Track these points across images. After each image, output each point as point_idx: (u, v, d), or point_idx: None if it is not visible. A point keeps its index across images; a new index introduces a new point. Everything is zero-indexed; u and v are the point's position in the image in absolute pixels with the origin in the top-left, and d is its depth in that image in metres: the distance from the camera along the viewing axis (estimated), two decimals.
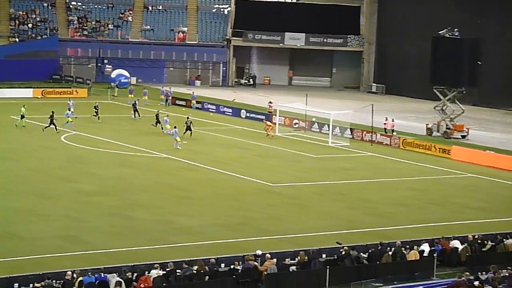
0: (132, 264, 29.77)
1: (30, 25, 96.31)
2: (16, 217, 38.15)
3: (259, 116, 72.44)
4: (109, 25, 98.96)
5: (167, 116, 63.82)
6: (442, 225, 39.97)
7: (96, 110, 66.89)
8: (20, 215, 38.58)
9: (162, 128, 62.70)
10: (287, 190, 46.59)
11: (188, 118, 62.09)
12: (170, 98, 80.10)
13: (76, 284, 27.56)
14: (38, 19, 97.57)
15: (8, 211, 39.23)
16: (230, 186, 46.79)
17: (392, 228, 39.02)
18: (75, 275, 27.86)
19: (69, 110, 65.37)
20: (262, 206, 42.39)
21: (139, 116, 68.51)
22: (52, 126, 60.59)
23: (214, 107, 77.37)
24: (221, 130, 65.57)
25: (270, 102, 75.16)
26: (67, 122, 62.87)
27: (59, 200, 41.48)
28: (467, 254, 33.37)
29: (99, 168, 50.05)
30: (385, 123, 67.46)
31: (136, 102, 70.61)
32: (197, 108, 77.35)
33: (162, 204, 41.80)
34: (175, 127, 58.84)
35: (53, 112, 61.26)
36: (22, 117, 63.23)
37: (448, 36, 69.61)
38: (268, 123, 65.13)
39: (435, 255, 32.81)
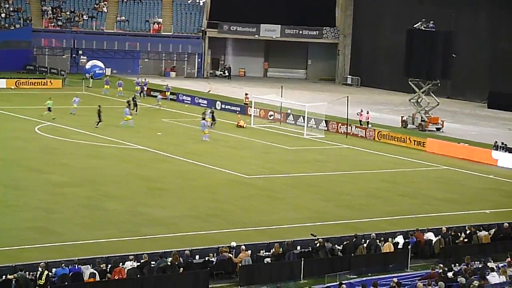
0: (106, 255, 29.42)
1: (3, 15, 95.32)
2: None
3: (235, 108, 72.11)
4: (84, 16, 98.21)
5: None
6: (415, 217, 39.86)
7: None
8: None
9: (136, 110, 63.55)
10: (260, 182, 46.33)
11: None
12: (145, 88, 79.55)
13: (43, 277, 27.07)
14: (11, 9, 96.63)
15: None
16: (203, 178, 46.47)
17: (365, 220, 38.89)
18: (40, 268, 27.36)
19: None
20: (235, 198, 42.12)
21: (136, 111, 67.30)
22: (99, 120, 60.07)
23: (189, 98, 76.97)
24: (196, 121, 65.07)
25: (246, 94, 74.88)
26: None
27: (30, 191, 40.99)
28: (441, 246, 33.28)
29: (72, 159, 49.54)
30: (360, 115, 67.34)
31: (135, 96, 70.34)
32: (171, 99, 76.97)
33: (134, 196, 41.40)
34: (203, 119, 59.17)
35: (99, 106, 61.25)
36: (49, 109, 62.51)
37: (422, 28, 69.59)
38: (240, 118, 64.79)
39: (409, 247, 32.71)
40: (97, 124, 59.67)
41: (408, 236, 33.77)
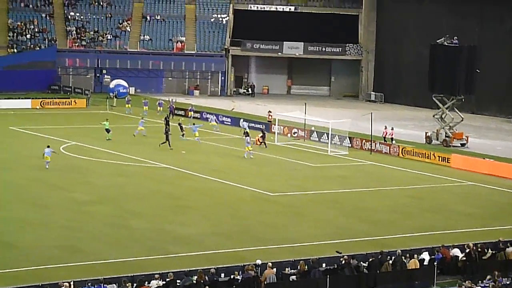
0: (131, 274, 29.44)
1: (28, 36, 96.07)
2: (12, 227, 37.84)
3: (258, 126, 72.13)
4: (108, 35, 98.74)
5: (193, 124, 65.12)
6: (441, 233, 39.68)
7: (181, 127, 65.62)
8: (16, 225, 38.27)
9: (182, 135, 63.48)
10: (284, 199, 46.28)
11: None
12: (173, 107, 78.46)
13: None
14: (36, 29, 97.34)
15: (4, 221, 38.91)
16: (227, 195, 46.51)
17: (390, 237, 38.72)
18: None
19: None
20: (259, 215, 42.12)
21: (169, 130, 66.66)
22: (167, 141, 60.39)
23: (213, 116, 76.87)
24: (220, 139, 65.19)
25: (270, 111, 74.90)
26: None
27: (56, 210, 41.20)
28: (467, 262, 33.04)
29: (96, 177, 49.77)
30: (384, 131, 67.12)
31: (168, 116, 69.86)
32: (194, 117, 76.50)
33: (159, 213, 41.51)
34: (248, 135, 60.08)
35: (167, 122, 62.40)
36: (108, 130, 62.92)
37: (446, 44, 69.39)
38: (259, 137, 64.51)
39: (435, 263, 32.50)
40: (170, 145, 60.21)
41: (433, 252, 33.58)
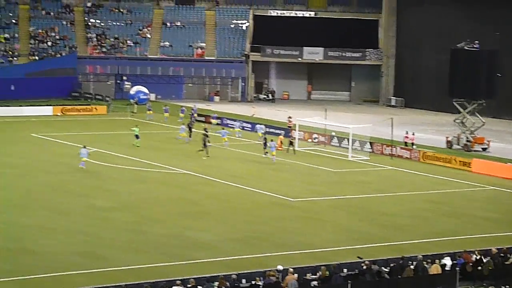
0: (153, 280, 29.33)
1: (49, 43, 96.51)
2: (32, 233, 37.89)
3: (278, 131, 71.98)
4: (128, 42, 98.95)
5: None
6: (462, 238, 39.38)
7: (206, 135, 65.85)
8: (36, 231, 38.33)
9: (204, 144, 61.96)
10: (304, 204, 46.09)
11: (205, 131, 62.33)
12: (195, 115, 78.42)
13: None
14: (57, 37, 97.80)
15: (24, 227, 38.97)
16: (247, 201, 46.38)
17: (411, 242, 38.44)
18: None
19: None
20: (280, 221, 41.95)
21: (190, 137, 66.58)
22: (204, 147, 60.20)
23: (234, 122, 76.75)
24: (240, 145, 65.06)
25: (290, 117, 74.71)
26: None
27: (76, 216, 41.22)
28: (490, 268, 32.73)
29: (116, 184, 49.80)
30: (405, 136, 66.74)
31: (191, 123, 69.76)
32: (218, 124, 75.99)
33: (179, 219, 41.42)
34: (272, 140, 59.99)
35: (206, 131, 62.26)
36: (137, 136, 63.02)
37: (466, 48, 69.00)
38: (281, 141, 64.37)
39: (457, 268, 32.21)
40: (205, 153, 59.89)
41: (455, 257, 33.29)
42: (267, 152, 60.24)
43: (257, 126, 71.24)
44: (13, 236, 37.43)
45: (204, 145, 60.17)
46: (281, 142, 64.23)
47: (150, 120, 77.76)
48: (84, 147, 54.60)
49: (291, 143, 63.25)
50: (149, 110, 79.95)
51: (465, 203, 48.39)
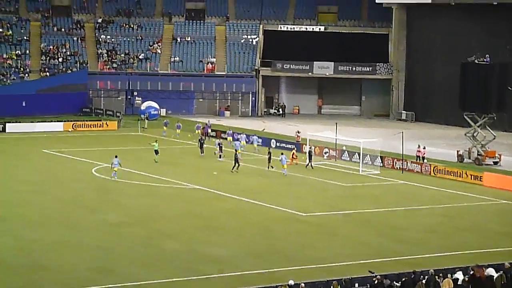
0: None
1: (60, 59, 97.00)
2: (44, 249, 38.12)
3: (289, 146, 72.18)
4: (138, 57, 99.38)
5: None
6: (475, 252, 39.39)
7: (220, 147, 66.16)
8: (48, 246, 38.55)
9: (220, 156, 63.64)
10: (316, 219, 46.19)
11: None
12: (209, 131, 78.09)
13: None
14: (68, 53, 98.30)
15: (37, 243, 39.19)
16: (259, 216, 46.51)
17: (423, 256, 38.47)
18: None
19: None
20: (291, 235, 42.07)
21: (203, 152, 66.93)
22: (236, 164, 60.52)
23: (244, 136, 76.82)
24: (251, 160, 65.21)
25: (298, 132, 74.88)
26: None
27: (88, 232, 41.42)
28: (503, 282, 32.69)
29: (128, 199, 50.01)
30: (418, 150, 66.69)
31: (203, 138, 69.59)
32: (224, 138, 75.42)
33: (191, 234, 41.59)
34: (282, 153, 60.46)
35: (269, 151, 62.37)
36: (156, 152, 63.28)
37: (477, 61, 69.09)
38: (294, 154, 64.62)
39: (470, 283, 32.15)
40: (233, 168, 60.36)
41: (467, 272, 33.27)
42: (272, 166, 60.43)
43: (253, 137, 71.73)
44: (25, 251, 37.64)
45: (236, 161, 60.50)
46: (292, 156, 64.31)
47: (164, 136, 77.37)
48: (116, 156, 56.29)
49: (309, 159, 63.09)
50: (165, 126, 79.78)
51: (477, 217, 48.39)
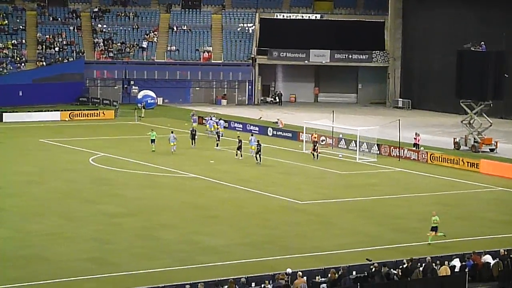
0: (162, 285, 29.44)
1: (56, 49, 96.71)
2: (42, 240, 38.02)
3: (286, 134, 72.06)
4: (135, 47, 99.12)
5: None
6: (471, 240, 39.37)
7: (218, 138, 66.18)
8: (46, 237, 38.46)
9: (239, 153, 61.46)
10: (313, 208, 46.12)
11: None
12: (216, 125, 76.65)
13: None
14: (64, 42, 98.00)
15: (34, 234, 39.10)
16: (256, 205, 46.44)
17: (420, 244, 38.44)
18: None
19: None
20: (288, 224, 42.00)
21: (194, 144, 65.87)
22: (239, 152, 60.64)
23: (240, 125, 76.93)
24: (248, 148, 65.09)
25: (315, 133, 71.24)
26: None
27: (85, 222, 41.31)
28: (499, 269, 32.71)
29: (125, 189, 49.89)
30: (415, 138, 66.52)
31: (195, 129, 68.09)
32: (224, 127, 74.95)
33: (188, 224, 41.51)
34: (252, 135, 61.41)
35: (240, 139, 61.44)
36: (152, 141, 63.09)
37: (473, 49, 68.97)
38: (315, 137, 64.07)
39: (466, 270, 32.20)
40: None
41: (464, 259, 33.27)
42: (241, 155, 60.45)
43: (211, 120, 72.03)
44: (23, 243, 37.55)
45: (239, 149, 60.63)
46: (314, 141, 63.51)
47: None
48: (172, 132, 61.84)
49: (315, 148, 62.31)
50: (194, 122, 75.32)
51: (473, 205, 48.36)
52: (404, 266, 32.02)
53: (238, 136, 62.92)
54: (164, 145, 63.94)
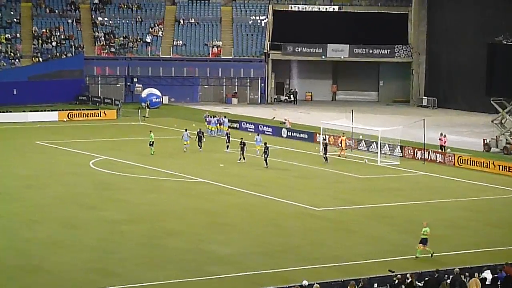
0: None
1: (54, 44, 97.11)
2: (41, 249, 38.28)
3: (302, 135, 72.22)
4: (138, 41, 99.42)
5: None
6: (504, 250, 39.38)
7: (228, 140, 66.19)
8: (45, 246, 38.73)
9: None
10: (331, 214, 46.27)
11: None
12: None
13: None
14: (62, 36, 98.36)
15: (32, 242, 39.37)
16: (269, 211, 46.59)
17: (447, 254, 38.51)
18: None
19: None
20: (304, 232, 42.16)
21: (201, 147, 65.51)
22: (241, 155, 61.00)
23: (252, 126, 77.09)
24: (253, 150, 65.22)
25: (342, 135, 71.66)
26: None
27: (86, 230, 41.56)
28: None
29: (128, 194, 50.15)
30: (441, 139, 66.56)
31: (201, 132, 68.06)
32: (234, 128, 75.30)
33: (196, 232, 41.71)
34: (258, 135, 62.44)
35: (242, 141, 61.58)
36: (151, 144, 63.18)
37: (505, 42, 68.94)
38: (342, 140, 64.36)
39: (498, 283, 32.23)
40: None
41: (496, 271, 33.30)
42: (244, 158, 60.73)
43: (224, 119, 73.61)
44: (21, 252, 37.79)
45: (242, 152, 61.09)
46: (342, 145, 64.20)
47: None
48: (186, 130, 63.98)
49: (325, 149, 62.43)
50: (209, 124, 74.41)
51: (505, 211, 48.38)
52: (429, 277, 32.07)
53: (241, 138, 63.09)
54: (170, 147, 64.16)
